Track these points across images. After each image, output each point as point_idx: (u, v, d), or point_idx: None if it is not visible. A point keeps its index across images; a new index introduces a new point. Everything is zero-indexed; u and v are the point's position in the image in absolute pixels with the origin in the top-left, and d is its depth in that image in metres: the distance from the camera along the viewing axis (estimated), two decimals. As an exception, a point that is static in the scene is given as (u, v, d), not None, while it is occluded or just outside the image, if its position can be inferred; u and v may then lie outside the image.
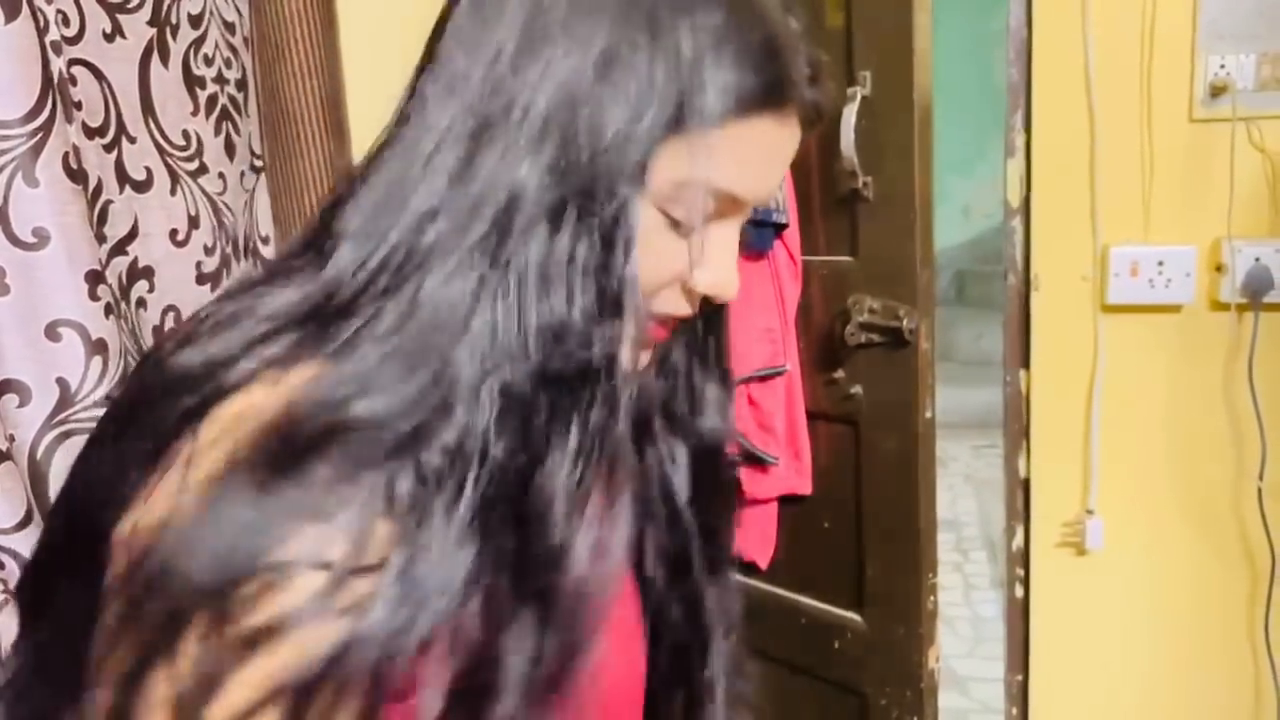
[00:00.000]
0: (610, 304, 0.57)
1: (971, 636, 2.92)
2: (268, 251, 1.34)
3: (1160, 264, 1.72)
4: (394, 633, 0.51)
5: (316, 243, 0.61)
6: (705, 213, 0.60)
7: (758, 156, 0.61)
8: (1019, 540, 1.92)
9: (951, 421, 4.28)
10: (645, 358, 0.67)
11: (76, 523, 0.58)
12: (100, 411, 0.94)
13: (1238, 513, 1.77)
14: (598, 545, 0.59)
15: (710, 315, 0.73)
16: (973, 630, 2.95)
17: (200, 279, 1.20)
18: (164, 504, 0.52)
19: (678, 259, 0.62)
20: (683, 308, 0.65)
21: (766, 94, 0.58)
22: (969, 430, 4.12)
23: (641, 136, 0.56)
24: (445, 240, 0.56)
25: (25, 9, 0.88)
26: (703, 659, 0.78)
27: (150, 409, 0.56)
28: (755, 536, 1.80)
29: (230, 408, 0.54)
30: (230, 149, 1.26)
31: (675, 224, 0.60)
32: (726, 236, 0.63)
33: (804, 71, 0.60)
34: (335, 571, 0.51)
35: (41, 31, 0.92)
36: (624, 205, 0.56)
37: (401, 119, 0.61)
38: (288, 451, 0.52)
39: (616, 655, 0.71)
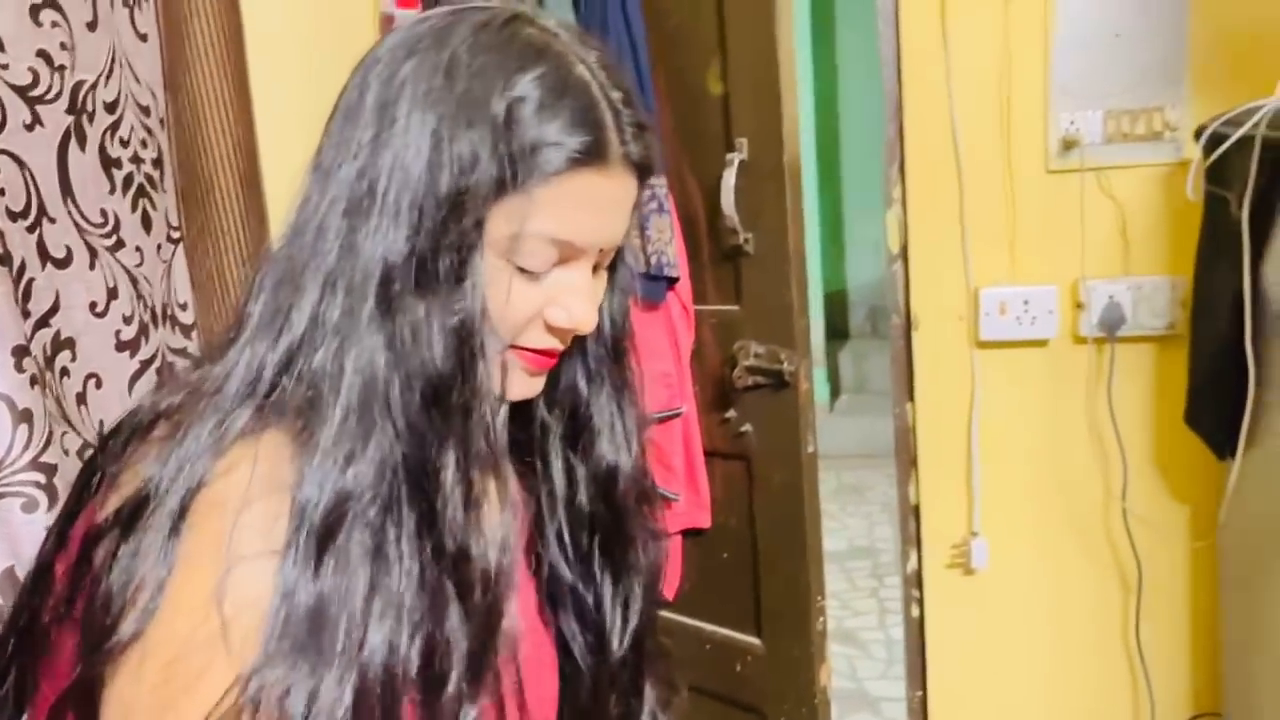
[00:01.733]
0: (467, 348, 0.66)
1: (885, 658, 3.03)
2: (185, 317, 1.42)
3: (1026, 303, 1.86)
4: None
5: (237, 326, 0.70)
6: (547, 260, 0.69)
7: (586, 206, 0.69)
8: (913, 563, 2.05)
9: (869, 451, 4.42)
10: (536, 384, 0.75)
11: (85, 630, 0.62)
12: (26, 476, 1.02)
13: (1107, 530, 1.90)
14: (497, 543, 0.68)
15: (616, 346, 0.81)
16: (886, 652, 3.06)
17: (119, 346, 1.28)
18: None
19: (530, 300, 0.70)
20: (550, 341, 0.72)
21: (585, 152, 0.67)
22: (886, 459, 4.24)
23: (474, 199, 0.65)
24: (346, 313, 0.65)
25: (-47, 111, 0.97)
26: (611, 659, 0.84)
27: (135, 518, 0.62)
28: (661, 569, 1.90)
29: (207, 494, 0.62)
30: (147, 223, 1.35)
31: (522, 271, 0.68)
32: (576, 278, 0.71)
33: (624, 131, 0.70)
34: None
35: (-33, 128, 1.00)
36: (467, 262, 0.65)
37: (295, 206, 0.70)
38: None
39: (532, 663, 0.77)
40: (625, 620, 0.84)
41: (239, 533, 0.61)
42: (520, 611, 0.73)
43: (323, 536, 0.62)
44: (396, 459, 0.64)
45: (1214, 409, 1.64)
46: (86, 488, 0.69)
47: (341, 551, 0.62)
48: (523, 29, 0.69)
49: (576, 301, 0.71)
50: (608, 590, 0.83)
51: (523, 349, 0.72)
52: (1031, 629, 1.97)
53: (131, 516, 0.62)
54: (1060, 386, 1.90)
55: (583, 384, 0.82)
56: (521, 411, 0.81)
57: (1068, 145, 1.82)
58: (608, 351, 0.82)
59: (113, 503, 0.64)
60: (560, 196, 0.67)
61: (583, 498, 0.82)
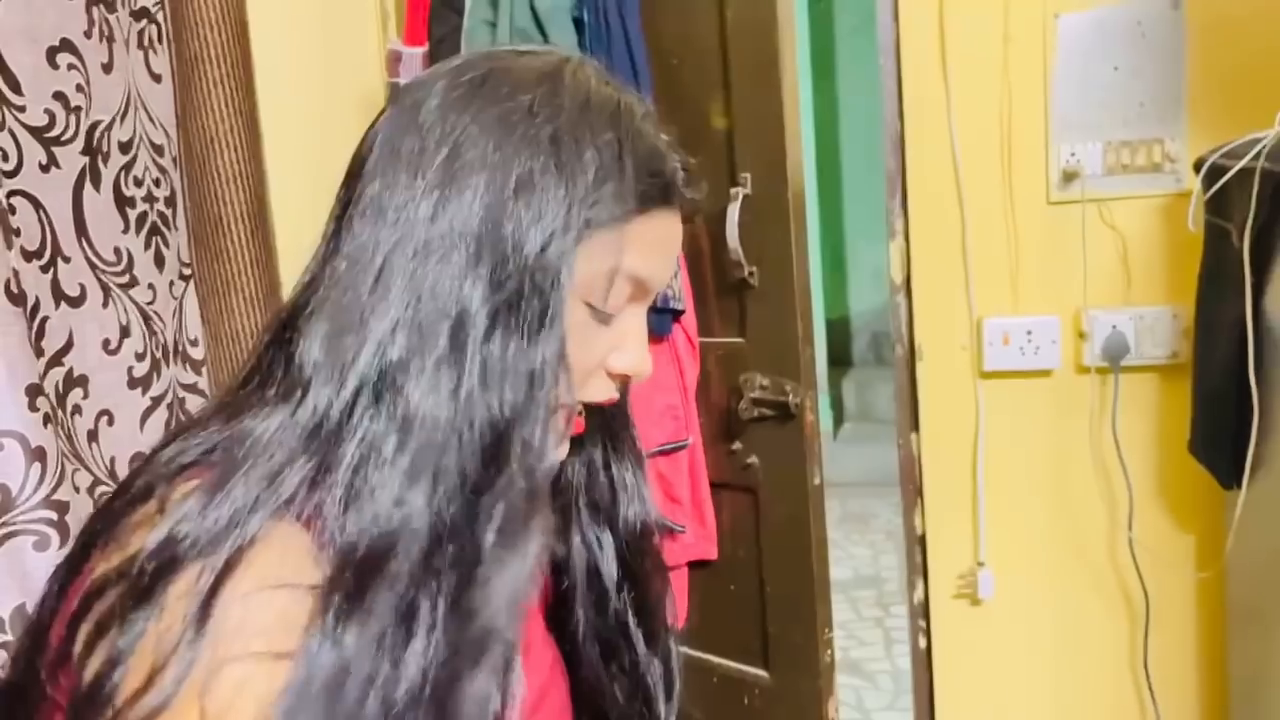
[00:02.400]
0: (538, 400, 0.63)
1: (892, 689, 3.02)
2: (196, 353, 1.44)
3: (1029, 333, 1.87)
4: None
5: (267, 375, 0.67)
6: (623, 300, 0.70)
7: (658, 245, 0.71)
8: (920, 594, 2.05)
9: (874, 479, 4.42)
10: (565, 449, 0.73)
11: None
12: (38, 514, 1.03)
13: (1113, 560, 1.90)
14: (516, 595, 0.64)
15: (615, 407, 0.80)
16: (893, 683, 3.05)
17: (131, 384, 1.29)
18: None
19: (600, 346, 0.70)
20: (607, 392, 0.72)
21: (659, 193, 0.69)
22: (890, 487, 4.23)
23: (559, 243, 0.64)
24: (410, 357, 0.62)
25: (-29, 155, 0.99)
26: None
27: (169, 580, 0.58)
28: (668, 601, 1.90)
29: (255, 554, 0.58)
30: (159, 261, 1.36)
31: (595, 313, 0.68)
32: (638, 321, 0.72)
33: (681, 174, 0.72)
34: None
35: (-16, 171, 1.02)
36: (551, 307, 0.63)
37: (331, 252, 0.67)
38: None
39: None
40: (670, 677, 0.84)
41: (243, 612, 0.57)
42: (537, 684, 0.74)
43: (359, 586, 0.59)
44: (441, 514, 0.61)
45: (1218, 438, 1.65)
46: (94, 537, 0.65)
47: (377, 605, 0.59)
48: (590, 76, 0.71)
49: (637, 345, 0.72)
50: (643, 650, 0.83)
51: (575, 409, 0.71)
52: (1039, 659, 1.97)
53: (155, 575, 0.58)
54: (1064, 416, 1.90)
55: (598, 445, 0.82)
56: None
57: (1068, 177, 1.84)
58: (619, 409, 0.82)
59: (107, 564, 0.61)
60: (644, 234, 0.69)
61: (613, 557, 0.82)
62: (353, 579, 0.59)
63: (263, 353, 0.69)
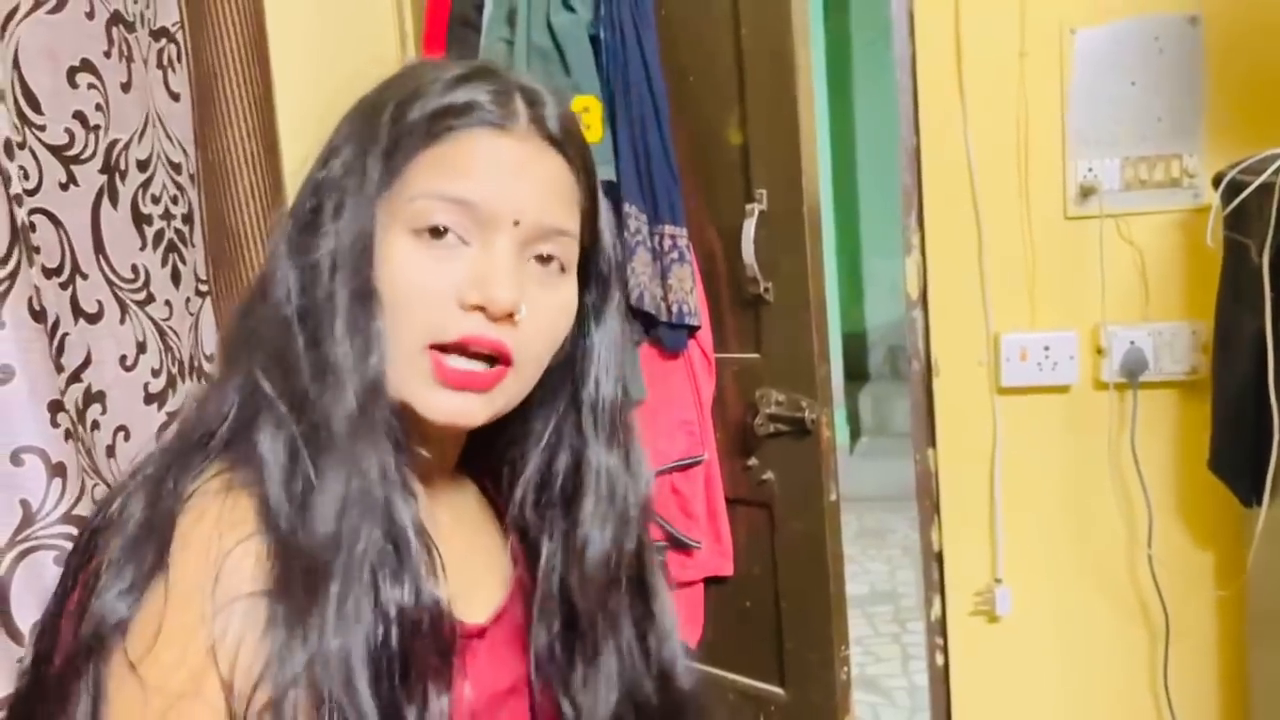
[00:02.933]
0: (363, 331, 0.69)
1: (909, 705, 3.00)
2: (211, 368, 1.45)
3: (1046, 349, 1.87)
4: None
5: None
6: (453, 221, 0.70)
7: (474, 164, 0.71)
8: (937, 610, 2.04)
9: (890, 494, 4.40)
10: (457, 404, 0.71)
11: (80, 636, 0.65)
12: (59, 529, 1.03)
13: (1133, 577, 1.89)
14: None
15: (606, 408, 0.81)
16: (910, 699, 3.03)
17: (148, 399, 1.29)
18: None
19: (446, 276, 0.70)
20: (466, 326, 0.70)
21: (456, 113, 0.72)
22: (907, 502, 4.22)
23: (361, 182, 0.71)
24: (274, 286, 0.73)
25: (-6, 172, 1.00)
26: None
27: (132, 551, 0.66)
28: (683, 617, 1.89)
29: (188, 522, 0.65)
30: (176, 278, 1.37)
31: (432, 234, 0.70)
32: (495, 254, 0.71)
33: (524, 100, 0.74)
34: None
35: (7, 187, 1.03)
36: (344, 229, 0.71)
37: None
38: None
39: None
40: (666, 691, 0.84)
41: (226, 572, 0.63)
42: (506, 681, 0.77)
43: (284, 491, 0.66)
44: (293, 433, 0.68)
45: (1238, 455, 1.64)
46: (88, 550, 0.70)
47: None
48: (430, 60, 0.82)
49: (493, 274, 0.70)
50: (632, 658, 0.83)
51: (444, 350, 0.71)
52: (1057, 676, 1.95)
53: (124, 544, 0.66)
54: (1082, 432, 1.89)
55: (567, 455, 0.82)
56: (515, 479, 0.84)
57: (1086, 192, 1.83)
58: (602, 416, 0.81)
59: (102, 555, 0.67)
60: (445, 156, 0.72)
61: (572, 572, 0.80)
62: (270, 483, 0.67)
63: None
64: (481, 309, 0.70)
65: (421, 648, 0.66)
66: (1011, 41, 1.85)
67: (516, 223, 0.72)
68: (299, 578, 0.63)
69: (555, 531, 0.82)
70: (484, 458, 0.86)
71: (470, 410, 0.72)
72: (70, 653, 0.65)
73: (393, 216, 0.71)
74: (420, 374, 0.71)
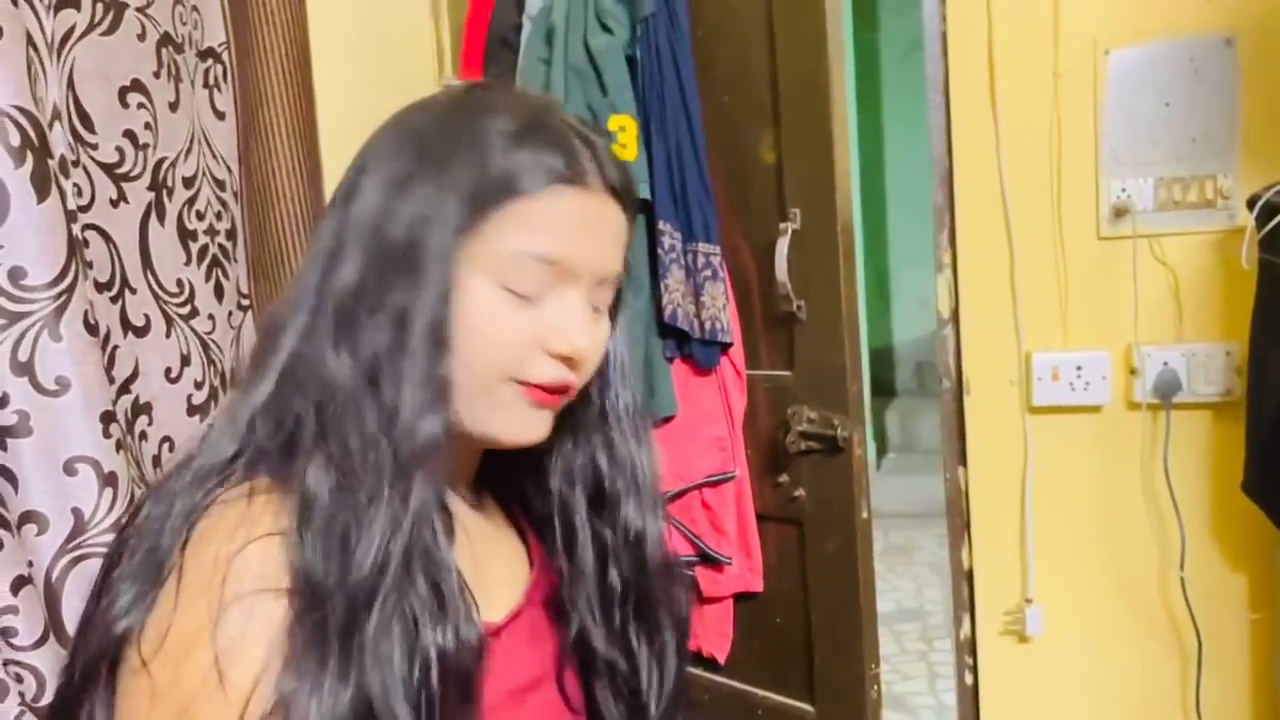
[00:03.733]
0: (418, 367, 0.69)
1: (936, 725, 3.00)
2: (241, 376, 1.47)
3: (1079, 369, 1.86)
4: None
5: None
6: (540, 281, 0.73)
7: (568, 225, 0.73)
8: (966, 629, 2.03)
9: (917, 511, 4.38)
10: (542, 424, 0.77)
11: (96, 641, 0.67)
12: (109, 538, 1.06)
13: (1165, 599, 1.88)
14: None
15: (631, 415, 0.85)
16: (937, 718, 3.02)
17: (190, 411, 1.32)
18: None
19: (529, 326, 0.73)
20: (551, 371, 0.74)
21: (561, 171, 0.73)
22: (934, 519, 4.19)
23: (431, 229, 0.70)
24: (311, 335, 0.71)
25: (54, 189, 1.03)
26: None
27: (150, 554, 0.68)
28: (713, 633, 1.90)
29: (208, 523, 0.67)
30: (219, 292, 1.40)
31: (516, 295, 0.72)
32: (572, 305, 0.74)
33: (597, 156, 0.75)
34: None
35: (63, 203, 1.06)
36: (425, 282, 0.70)
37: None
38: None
39: None
40: (662, 683, 0.87)
41: (239, 566, 0.64)
42: (528, 677, 0.78)
43: (326, 527, 0.66)
44: (350, 463, 0.68)
45: (1272, 478, 1.62)
46: (114, 560, 0.72)
47: (340, 537, 0.66)
48: (482, 91, 0.78)
49: (574, 325, 0.74)
50: (644, 656, 0.86)
51: (528, 384, 0.74)
52: (1087, 698, 1.94)
53: (132, 550, 0.68)
54: (1115, 453, 1.88)
55: (604, 455, 0.85)
56: (541, 483, 0.86)
57: (1119, 212, 1.83)
58: (627, 417, 0.85)
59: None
60: (541, 214, 0.72)
61: (614, 568, 0.85)
62: (313, 516, 0.66)
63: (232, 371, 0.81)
64: (562, 356, 0.75)
65: (460, 682, 0.69)
66: (1045, 62, 1.85)
67: (599, 284, 0.77)
68: (336, 615, 0.64)
69: (598, 528, 0.85)
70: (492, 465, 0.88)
71: (542, 430, 0.77)
72: (86, 658, 0.67)
73: (473, 262, 0.71)
74: (503, 402, 0.74)
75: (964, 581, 2.01)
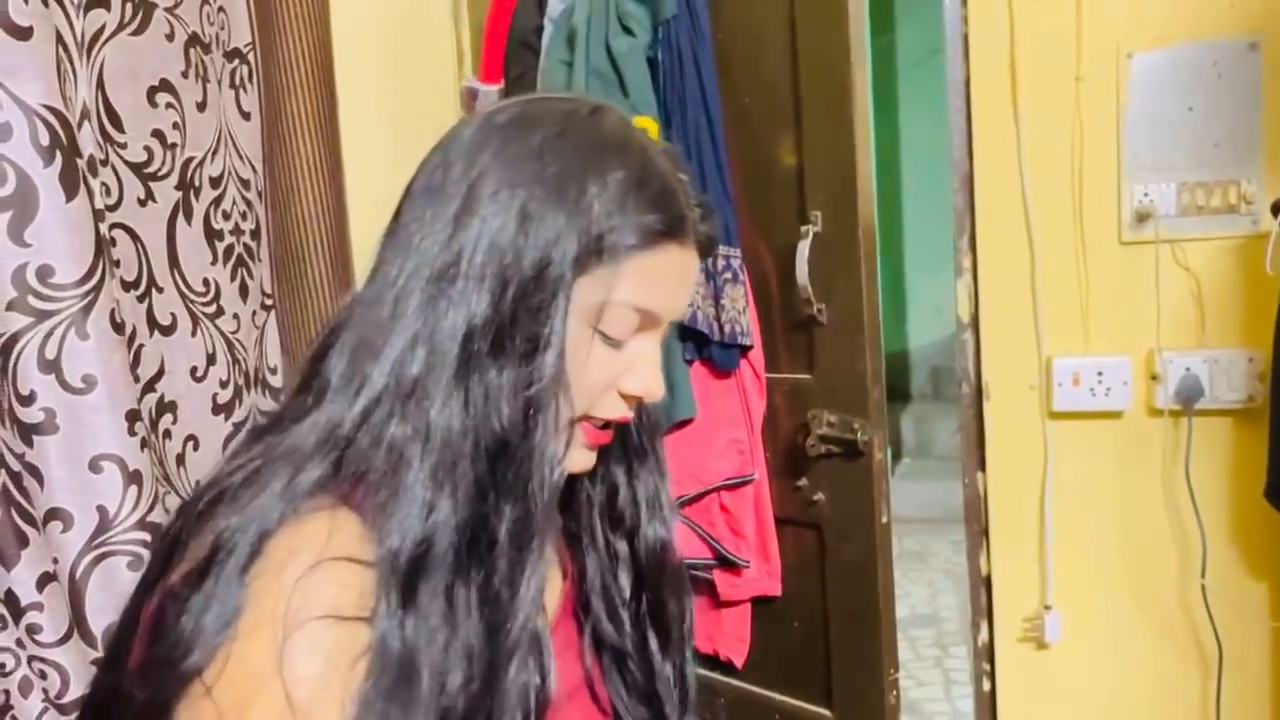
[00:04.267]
0: (536, 414, 0.69)
1: (952, 731, 2.98)
2: (275, 381, 1.48)
3: (1099, 374, 1.85)
4: None
5: (307, 384, 0.74)
6: (629, 328, 0.74)
7: (668, 278, 0.75)
8: (984, 636, 2.02)
9: (932, 516, 4.37)
10: (592, 458, 0.79)
11: (157, 669, 0.64)
12: (134, 535, 1.06)
13: (1186, 606, 1.87)
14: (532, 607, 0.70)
15: (643, 426, 0.86)
16: (953, 725, 3.01)
17: (215, 410, 1.33)
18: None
19: (611, 368, 0.75)
20: (619, 410, 0.77)
21: (667, 228, 0.73)
22: (949, 525, 4.19)
23: (557, 272, 0.69)
24: (427, 373, 0.68)
25: (82, 188, 1.04)
26: None
27: (206, 569, 0.64)
28: (730, 637, 1.90)
29: (280, 541, 0.65)
30: (244, 292, 1.41)
31: (605, 338, 0.73)
32: (650, 347, 0.77)
33: (695, 210, 0.76)
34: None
35: (91, 203, 1.07)
36: (546, 330, 0.69)
37: (369, 274, 0.75)
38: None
39: None
40: (682, 689, 0.88)
41: (304, 591, 0.62)
42: (565, 687, 0.77)
43: (408, 583, 0.65)
44: (464, 516, 0.67)
45: (1296, 485, 1.62)
46: (168, 559, 0.70)
47: (424, 598, 0.65)
48: (606, 119, 0.75)
49: (649, 369, 0.76)
50: (657, 660, 0.87)
51: (589, 421, 0.76)
52: (1107, 706, 1.93)
53: (204, 566, 0.64)
54: (1136, 459, 1.88)
55: (622, 465, 0.87)
56: (566, 488, 0.84)
57: (1141, 217, 1.82)
58: (645, 428, 0.87)
59: (184, 566, 0.66)
60: (646, 268, 0.73)
61: (628, 571, 0.87)
62: (403, 579, 0.65)
63: (307, 365, 0.76)
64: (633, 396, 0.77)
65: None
66: (1067, 65, 1.84)
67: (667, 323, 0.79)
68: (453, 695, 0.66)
69: (613, 538, 0.87)
70: None
71: (592, 461, 0.79)
72: (149, 676, 0.64)
73: (572, 303, 0.71)
74: (569, 441, 0.74)
75: (982, 587, 2.01)
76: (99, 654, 1.05)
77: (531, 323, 0.69)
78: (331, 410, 0.70)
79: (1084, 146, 1.86)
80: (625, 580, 0.86)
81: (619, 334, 0.74)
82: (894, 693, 1.71)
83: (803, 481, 1.79)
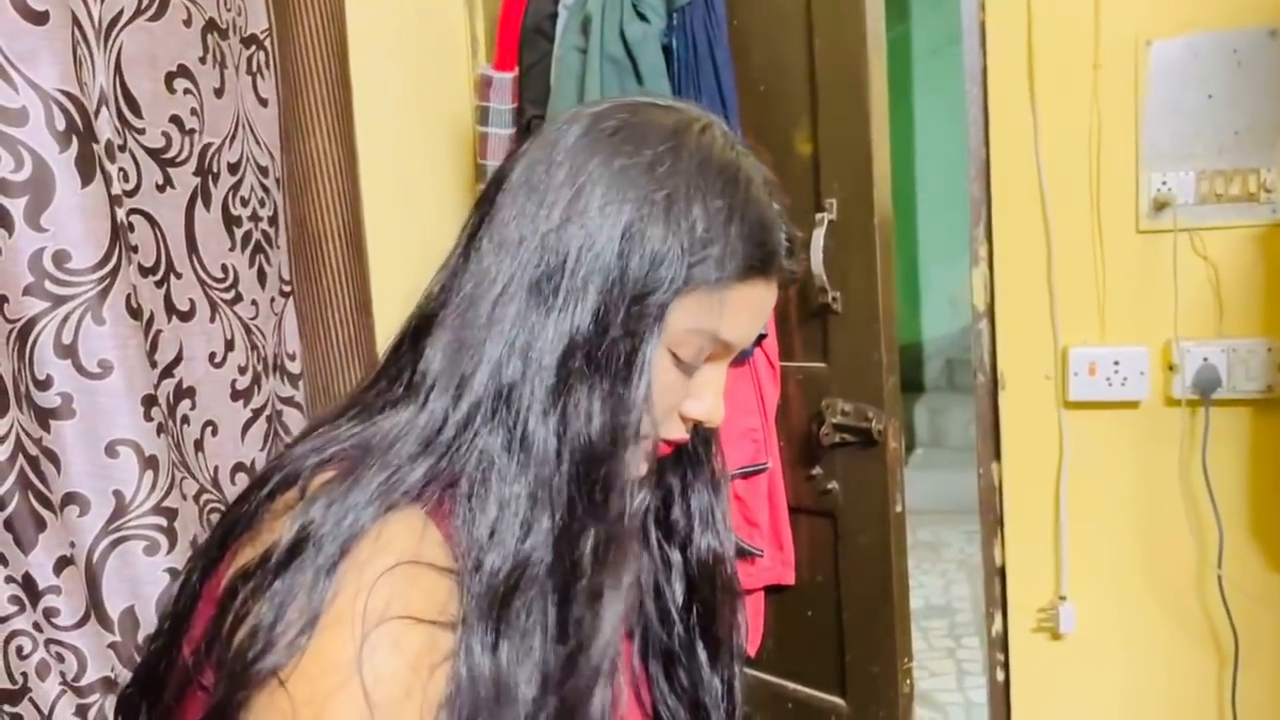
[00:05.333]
0: (625, 432, 0.68)
1: (964, 721, 2.98)
2: (293, 367, 1.48)
3: (1116, 364, 1.85)
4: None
5: (395, 377, 0.73)
6: (703, 356, 0.74)
7: (751, 312, 0.75)
8: (998, 626, 2.02)
9: (945, 507, 4.35)
10: (650, 470, 0.78)
11: (232, 662, 0.62)
12: (150, 520, 1.07)
13: (1201, 597, 1.86)
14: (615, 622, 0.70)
15: (699, 438, 0.85)
16: (965, 715, 2.99)
17: (234, 396, 1.33)
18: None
19: (679, 391, 0.75)
20: (679, 432, 0.77)
21: (761, 263, 0.72)
22: (962, 516, 4.17)
23: (659, 293, 0.68)
24: (523, 383, 0.68)
25: (98, 174, 1.04)
26: None
27: (290, 559, 0.63)
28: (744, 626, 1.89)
29: (368, 539, 0.63)
30: (262, 278, 1.41)
31: (679, 362, 0.73)
32: (717, 375, 0.77)
33: (785, 245, 0.75)
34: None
35: (108, 189, 1.07)
36: (642, 350, 0.69)
37: (460, 268, 0.73)
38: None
39: None
40: (731, 704, 0.87)
41: (387, 590, 0.61)
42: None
43: (504, 601, 0.65)
44: (558, 536, 0.67)
45: (1315, 476, 1.61)
46: (228, 536, 0.69)
47: (517, 617, 0.65)
48: (715, 140, 0.74)
49: (713, 396, 0.77)
50: (705, 671, 0.86)
51: (655, 440, 0.75)
52: (1121, 697, 1.93)
53: (287, 557, 0.63)
54: (1152, 449, 1.87)
55: (676, 474, 0.86)
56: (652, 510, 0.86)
57: (1159, 205, 1.81)
58: (701, 441, 0.86)
59: (252, 550, 0.65)
60: (732, 300, 0.72)
61: (681, 579, 0.86)
62: (500, 597, 0.65)
63: (391, 357, 0.75)
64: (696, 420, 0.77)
65: None
66: (1085, 53, 1.83)
67: None
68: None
69: (680, 548, 0.87)
70: None
71: (644, 472, 0.77)
72: (220, 665, 0.63)
73: (665, 326, 0.71)
74: (649, 463, 0.75)
75: (996, 578, 2.01)
76: (116, 637, 1.06)
77: (627, 343, 0.68)
78: (433, 411, 0.69)
79: (1102, 135, 1.85)
80: (679, 586, 0.86)
81: (693, 359, 0.73)
82: (908, 682, 1.70)
83: (817, 470, 1.79)
